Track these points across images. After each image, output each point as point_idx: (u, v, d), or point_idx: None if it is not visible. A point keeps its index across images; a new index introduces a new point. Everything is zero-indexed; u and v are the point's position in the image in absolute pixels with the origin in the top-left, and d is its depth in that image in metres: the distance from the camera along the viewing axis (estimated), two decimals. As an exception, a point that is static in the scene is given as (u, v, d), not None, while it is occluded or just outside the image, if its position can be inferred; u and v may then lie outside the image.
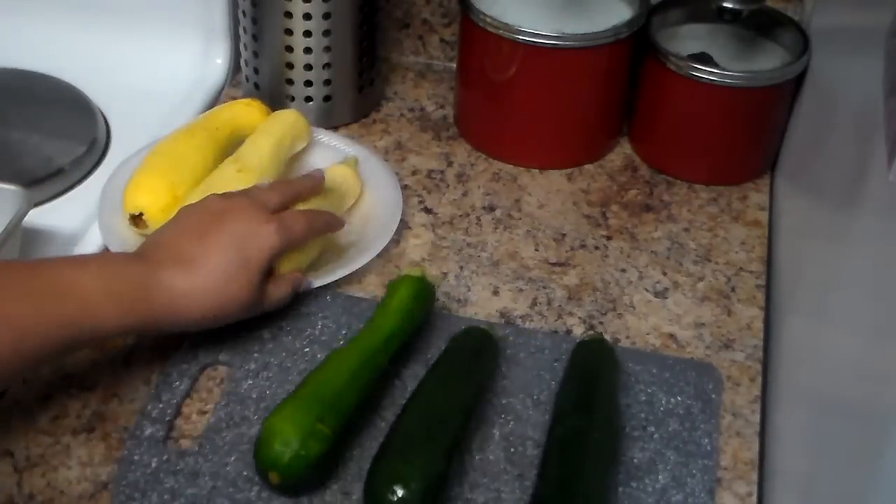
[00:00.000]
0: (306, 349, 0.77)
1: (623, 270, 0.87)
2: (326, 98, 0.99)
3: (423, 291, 0.78)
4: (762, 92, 0.92)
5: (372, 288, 0.84)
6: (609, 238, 0.90)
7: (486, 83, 0.96)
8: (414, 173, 0.96)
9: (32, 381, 0.75)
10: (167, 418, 0.72)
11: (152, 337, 0.78)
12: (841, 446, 0.58)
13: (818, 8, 0.96)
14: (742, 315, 0.83)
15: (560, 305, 0.83)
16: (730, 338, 0.81)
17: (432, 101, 1.05)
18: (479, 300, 0.84)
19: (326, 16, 0.94)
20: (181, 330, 0.74)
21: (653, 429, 0.73)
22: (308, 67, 0.96)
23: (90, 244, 0.85)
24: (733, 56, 0.95)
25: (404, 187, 0.93)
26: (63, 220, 0.88)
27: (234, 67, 1.05)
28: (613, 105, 0.98)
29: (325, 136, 0.96)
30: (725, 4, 0.92)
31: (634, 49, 0.94)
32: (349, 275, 0.83)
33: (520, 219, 0.92)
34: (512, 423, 0.73)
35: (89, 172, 0.94)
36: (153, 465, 0.69)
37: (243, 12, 0.97)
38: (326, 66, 0.97)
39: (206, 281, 0.71)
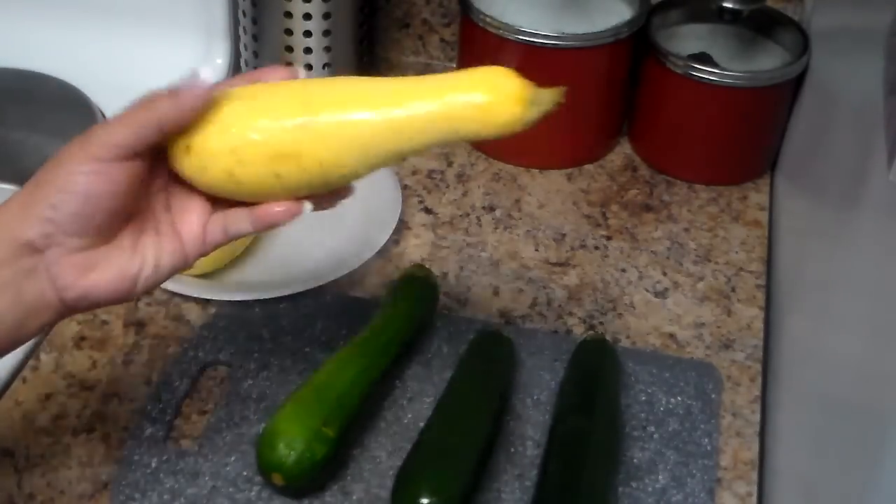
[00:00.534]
0: (306, 349, 0.77)
1: (623, 270, 0.87)
2: (326, 98, 0.98)
3: (427, 291, 0.78)
4: (762, 92, 0.92)
5: (372, 288, 0.84)
6: (609, 238, 0.90)
7: (486, 83, 0.96)
8: (414, 173, 0.96)
9: (32, 381, 0.75)
10: (167, 418, 0.72)
11: (152, 336, 0.78)
12: (841, 446, 0.58)
13: (818, 8, 0.96)
14: (742, 315, 0.83)
15: (560, 305, 0.83)
16: (730, 338, 0.81)
17: (432, 101, 1.05)
18: (479, 300, 0.83)
19: (326, 16, 0.94)
20: None
21: (653, 429, 0.73)
22: (308, 67, 0.96)
23: (90, 244, 0.85)
24: (733, 56, 0.95)
25: (404, 187, 0.93)
26: (63, 220, 0.88)
27: (234, 67, 1.05)
28: (613, 105, 0.98)
29: (325, 136, 0.96)
30: (725, 4, 0.92)
31: (634, 49, 0.94)
32: (349, 274, 0.83)
33: (520, 219, 0.92)
34: (512, 423, 0.73)
35: (89, 172, 0.94)
36: (153, 465, 0.69)
37: (243, 12, 0.97)
38: (326, 65, 0.97)
39: None
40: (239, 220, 0.59)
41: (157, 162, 0.59)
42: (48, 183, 0.55)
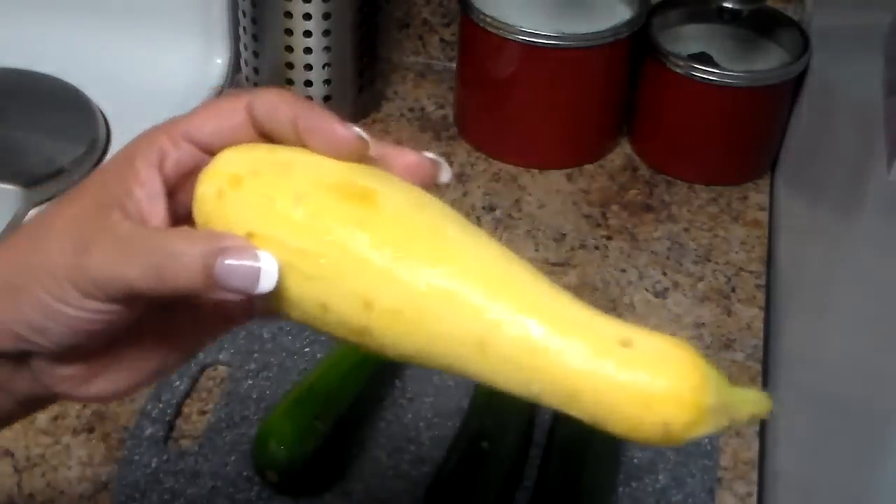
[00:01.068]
0: (306, 349, 0.77)
1: (623, 270, 0.87)
2: (326, 98, 0.98)
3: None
4: (762, 92, 0.92)
5: (372, 288, 0.84)
6: (609, 238, 0.90)
7: (486, 83, 0.96)
8: (414, 173, 0.96)
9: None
10: (167, 418, 0.72)
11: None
12: (841, 446, 0.58)
13: (818, 8, 0.96)
14: (742, 315, 0.83)
15: (560, 305, 0.83)
16: (730, 338, 0.81)
17: (432, 101, 1.05)
18: (479, 300, 0.83)
19: (326, 16, 0.94)
20: None
21: (653, 429, 0.73)
22: (308, 67, 0.96)
23: (90, 244, 0.85)
24: (733, 56, 0.95)
25: (404, 187, 0.93)
26: (63, 220, 0.88)
27: (234, 67, 1.05)
28: (613, 105, 0.98)
29: (325, 136, 0.96)
30: (725, 4, 0.92)
31: (634, 49, 0.94)
32: (349, 275, 0.83)
33: (520, 219, 0.92)
34: (512, 423, 0.73)
35: (89, 172, 0.94)
36: (153, 465, 0.69)
37: (243, 12, 0.97)
38: (326, 66, 0.97)
39: None
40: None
41: None
42: (23, 293, 0.40)
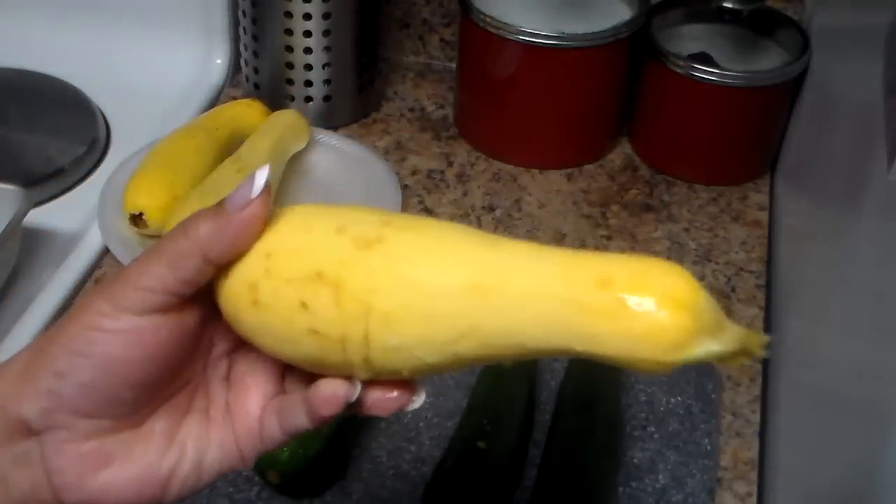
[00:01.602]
0: (306, 349, 0.77)
1: (623, 270, 0.87)
2: (326, 98, 0.98)
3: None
4: (762, 92, 0.92)
5: (372, 288, 0.84)
6: (609, 238, 0.90)
7: (486, 83, 0.96)
8: (414, 173, 0.96)
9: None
10: (167, 418, 0.72)
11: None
12: (841, 446, 0.58)
13: (818, 8, 0.96)
14: (742, 315, 0.83)
15: (560, 305, 0.83)
16: (730, 338, 0.81)
17: (432, 101, 1.05)
18: (479, 300, 0.83)
19: (326, 16, 0.94)
20: None
21: (653, 429, 0.73)
22: (308, 67, 0.96)
23: (90, 244, 0.85)
24: (733, 56, 0.95)
25: (404, 187, 0.93)
26: (63, 220, 0.88)
27: (234, 67, 1.05)
28: (613, 105, 0.98)
29: (325, 136, 0.96)
30: (725, 4, 0.92)
31: (634, 49, 0.94)
32: (349, 275, 0.83)
33: (520, 219, 0.92)
34: (512, 423, 0.73)
35: (89, 172, 0.94)
36: (153, 465, 0.69)
37: (243, 12, 0.97)
38: (326, 66, 0.97)
39: None
40: (294, 411, 0.42)
41: (219, 314, 0.42)
42: (55, 342, 0.40)
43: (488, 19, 0.91)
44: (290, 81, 0.97)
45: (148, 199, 0.83)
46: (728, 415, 0.75)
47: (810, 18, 0.97)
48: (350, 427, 0.70)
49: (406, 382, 0.42)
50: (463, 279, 0.38)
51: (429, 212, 0.92)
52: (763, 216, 0.94)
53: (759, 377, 0.78)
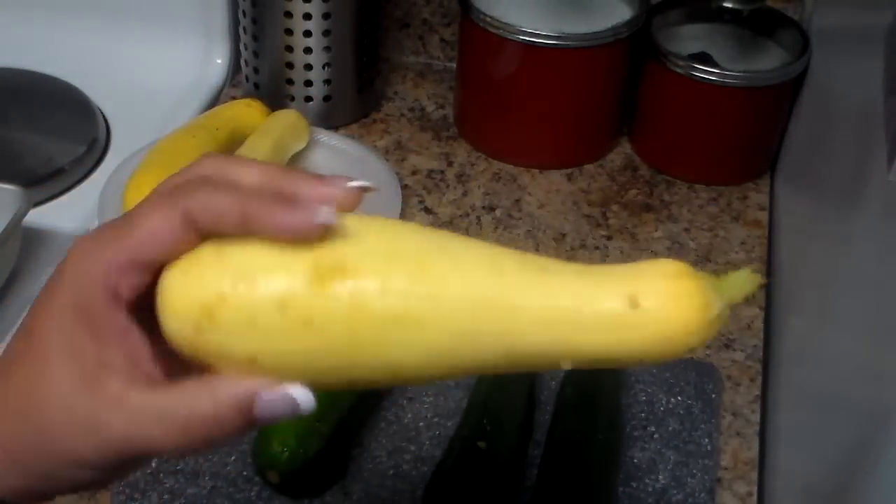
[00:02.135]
0: (306, 349, 0.77)
1: (623, 270, 0.87)
2: (326, 98, 0.99)
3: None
4: (762, 92, 0.92)
5: (372, 288, 0.84)
6: (609, 238, 0.90)
7: (486, 83, 0.96)
8: (414, 173, 0.96)
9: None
10: (167, 418, 0.72)
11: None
12: (841, 446, 0.58)
13: (818, 8, 0.96)
14: (742, 315, 0.83)
15: (560, 305, 0.83)
16: (730, 338, 0.81)
17: (432, 101, 1.05)
18: (479, 300, 0.83)
19: (326, 16, 0.94)
20: None
21: (653, 429, 0.73)
22: (308, 67, 0.96)
23: (90, 244, 0.85)
24: (733, 56, 0.95)
25: (404, 187, 0.93)
26: (63, 220, 0.88)
27: (234, 67, 1.05)
28: (613, 105, 0.98)
29: (325, 136, 0.96)
30: (725, 4, 0.92)
31: (634, 49, 0.94)
32: (349, 275, 0.83)
33: (520, 219, 0.92)
34: (512, 422, 0.73)
35: (89, 172, 0.94)
36: (153, 464, 0.69)
37: (243, 12, 0.97)
38: (326, 66, 0.97)
39: None
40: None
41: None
42: (38, 439, 0.40)
43: (488, 19, 0.91)
44: (290, 81, 0.97)
45: (148, 199, 0.83)
46: (728, 415, 0.75)
47: (810, 18, 0.97)
48: (350, 427, 0.70)
49: None
50: None
51: (429, 212, 0.92)
52: (763, 216, 0.94)
53: (759, 377, 0.78)
